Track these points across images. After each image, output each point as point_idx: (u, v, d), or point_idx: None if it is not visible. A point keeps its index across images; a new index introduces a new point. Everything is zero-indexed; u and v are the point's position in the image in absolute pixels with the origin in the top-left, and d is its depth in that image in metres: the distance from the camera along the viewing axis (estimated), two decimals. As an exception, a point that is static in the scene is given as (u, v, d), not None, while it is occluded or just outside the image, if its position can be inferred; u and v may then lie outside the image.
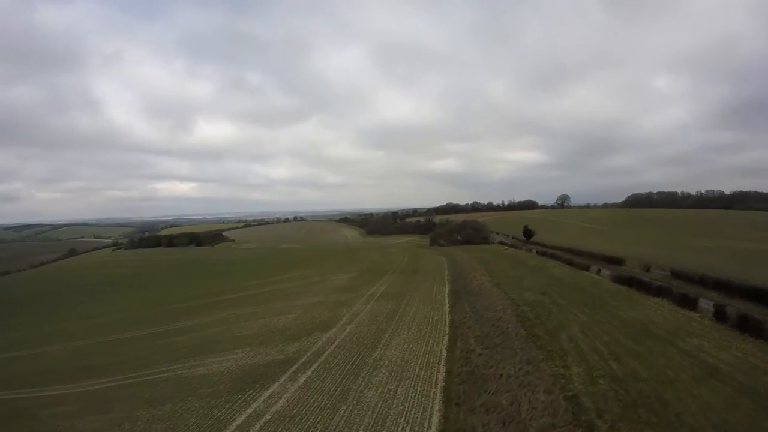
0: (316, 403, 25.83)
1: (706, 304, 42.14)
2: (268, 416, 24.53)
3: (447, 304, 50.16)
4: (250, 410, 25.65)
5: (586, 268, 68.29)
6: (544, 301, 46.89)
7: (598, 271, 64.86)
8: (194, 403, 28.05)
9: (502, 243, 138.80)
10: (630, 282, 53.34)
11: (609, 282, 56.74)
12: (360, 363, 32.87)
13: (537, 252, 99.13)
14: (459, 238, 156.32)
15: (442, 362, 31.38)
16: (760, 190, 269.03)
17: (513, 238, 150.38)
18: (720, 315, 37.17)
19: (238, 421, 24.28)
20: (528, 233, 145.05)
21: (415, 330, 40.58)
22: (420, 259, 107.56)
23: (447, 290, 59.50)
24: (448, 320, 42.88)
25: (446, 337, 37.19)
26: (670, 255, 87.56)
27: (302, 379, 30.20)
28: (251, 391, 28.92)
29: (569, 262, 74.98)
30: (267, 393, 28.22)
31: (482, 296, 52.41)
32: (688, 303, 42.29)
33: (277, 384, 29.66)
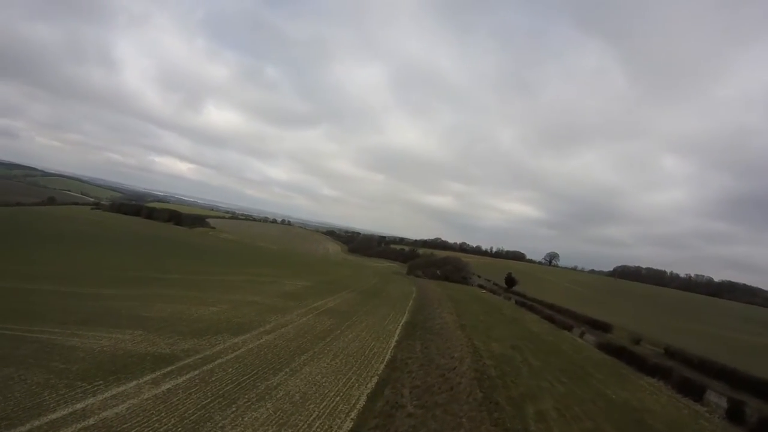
0: (155, 424, 19.48)
1: (716, 396, 33.64)
2: (91, 420, 19.27)
3: (395, 337, 40.85)
4: (79, 406, 20.47)
5: (569, 328, 59.14)
6: (514, 358, 37.47)
7: (582, 334, 55.71)
8: (36, 376, 23.51)
9: (480, 286, 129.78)
10: (619, 353, 44.26)
11: (594, 349, 47.54)
12: (247, 386, 24.77)
13: (516, 302, 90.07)
14: (438, 272, 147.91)
15: (353, 414, 22.12)
16: (748, 284, 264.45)
17: (494, 284, 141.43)
18: (736, 414, 28.91)
19: (57, 415, 19.41)
20: (510, 281, 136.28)
21: (341, 360, 31.32)
22: (389, 284, 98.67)
23: (403, 321, 50.26)
24: (388, 357, 33.57)
25: (375, 379, 27.87)
26: (659, 332, 78.56)
27: (165, 387, 23.52)
28: (101, 382, 23.44)
29: (550, 319, 65.75)
30: (113, 391, 22.42)
31: (441, 337, 42.91)
32: (692, 391, 34.14)
33: (133, 383, 23.60)
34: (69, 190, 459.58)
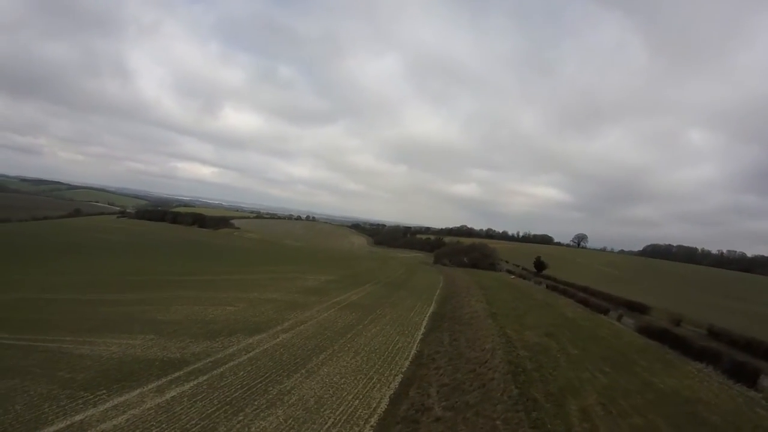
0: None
1: (771, 381, 30.67)
2: (88, 433, 17.77)
3: (422, 330, 38.63)
4: (77, 418, 19.47)
5: (605, 312, 55.97)
6: (550, 347, 34.79)
7: (620, 318, 52.60)
8: (40, 387, 22.78)
9: (509, 272, 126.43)
10: (662, 337, 41.15)
11: (634, 333, 44.47)
12: (258, 391, 23.06)
13: (547, 286, 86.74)
14: (465, 260, 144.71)
15: (373, 421, 20.12)
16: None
17: (523, 269, 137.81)
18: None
19: (54, 428, 18.54)
20: (540, 265, 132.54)
21: (362, 358, 29.28)
22: (415, 275, 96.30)
23: (429, 312, 47.94)
24: (413, 352, 31.39)
25: (399, 378, 25.71)
26: (697, 311, 74.64)
27: (169, 395, 22.17)
28: (104, 391, 22.33)
29: (584, 302, 62.52)
30: (115, 401, 21.25)
31: (470, 327, 40.43)
32: (744, 376, 30.79)
33: (137, 392, 22.33)
34: (96, 201, 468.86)
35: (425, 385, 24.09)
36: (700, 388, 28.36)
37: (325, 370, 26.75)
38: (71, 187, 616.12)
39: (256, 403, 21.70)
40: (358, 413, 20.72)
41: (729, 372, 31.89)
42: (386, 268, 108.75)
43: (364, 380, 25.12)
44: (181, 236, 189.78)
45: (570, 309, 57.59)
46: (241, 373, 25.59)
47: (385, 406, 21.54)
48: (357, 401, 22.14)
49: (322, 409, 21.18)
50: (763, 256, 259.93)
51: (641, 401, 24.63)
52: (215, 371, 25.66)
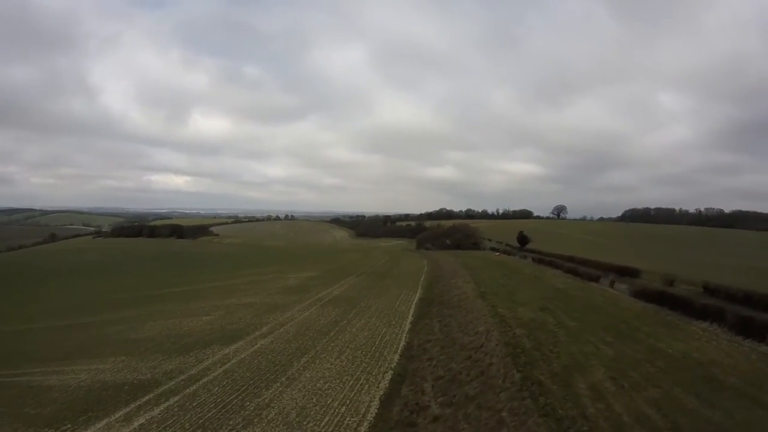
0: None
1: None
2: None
3: (410, 319, 36.33)
4: None
5: (596, 280, 54.34)
6: (546, 322, 32.78)
7: (612, 284, 50.91)
8: (5, 428, 21.39)
9: (493, 249, 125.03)
10: (660, 299, 39.41)
11: (629, 298, 42.79)
12: (234, 408, 20.63)
13: (533, 260, 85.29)
14: (448, 242, 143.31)
15: (363, 429, 17.94)
16: (759, 211, 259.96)
17: (506, 245, 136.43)
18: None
19: None
20: (523, 240, 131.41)
21: (347, 357, 26.94)
22: (399, 262, 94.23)
23: (416, 299, 45.69)
24: (402, 344, 29.07)
25: (389, 375, 23.32)
26: (686, 270, 73.68)
27: (137, 422, 19.92)
28: (68, 425, 20.31)
29: (573, 272, 60.94)
30: None
31: (461, 310, 38.29)
32: (753, 331, 29.06)
33: (103, 423, 20.17)
34: (71, 224, 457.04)
35: (418, 380, 21.75)
36: (709, 348, 26.63)
37: (308, 375, 24.32)
38: (45, 213, 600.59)
39: (231, 422, 19.32)
40: (346, 422, 18.33)
41: (736, 328, 30.20)
42: (369, 259, 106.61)
43: (351, 382, 22.73)
44: (160, 249, 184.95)
45: (560, 280, 55.91)
46: (216, 389, 23.24)
47: (376, 410, 19.17)
48: (344, 408, 19.72)
49: (305, 422, 18.76)
50: (740, 211, 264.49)
51: (652, 370, 22.69)
52: (188, 390, 23.33)
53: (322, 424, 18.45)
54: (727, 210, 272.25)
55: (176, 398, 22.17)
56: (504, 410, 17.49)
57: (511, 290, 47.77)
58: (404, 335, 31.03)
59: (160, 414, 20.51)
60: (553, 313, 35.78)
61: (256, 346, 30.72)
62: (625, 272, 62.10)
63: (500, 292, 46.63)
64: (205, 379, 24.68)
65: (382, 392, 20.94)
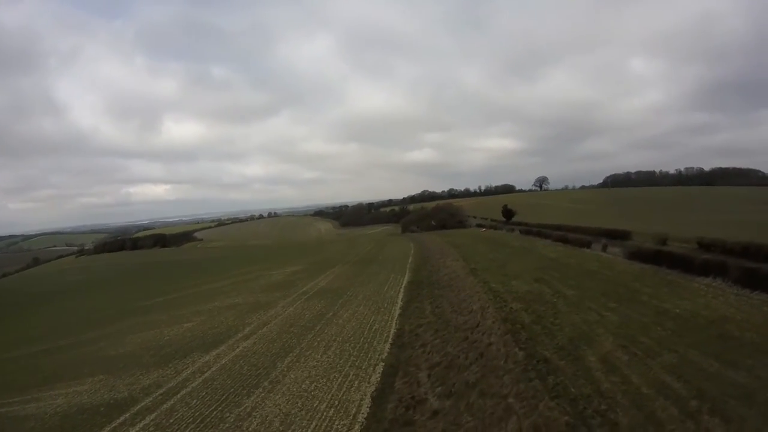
0: None
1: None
2: None
3: (399, 304, 34.23)
4: None
5: (587, 245, 52.79)
6: (543, 293, 30.99)
7: (604, 248, 49.39)
8: None
9: (479, 225, 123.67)
10: (657, 258, 37.83)
11: (625, 261, 41.25)
12: (213, 422, 18.52)
13: (520, 232, 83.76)
14: (433, 223, 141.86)
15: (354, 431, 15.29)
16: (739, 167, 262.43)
17: (492, 220, 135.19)
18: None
19: None
20: (508, 213, 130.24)
21: (334, 351, 24.79)
22: (385, 247, 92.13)
23: (405, 282, 43.66)
24: (393, 331, 26.96)
25: (381, 368, 21.16)
26: (676, 229, 72.60)
27: None
28: None
29: (563, 240, 59.43)
30: None
31: (452, 289, 36.40)
32: (759, 283, 27.56)
33: None
34: (54, 246, 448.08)
35: (413, 370, 19.68)
36: (717, 304, 25.02)
37: (292, 376, 22.16)
38: (27, 237, 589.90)
39: None
40: (335, 426, 16.22)
41: (741, 282, 28.66)
42: (354, 247, 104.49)
43: (339, 379, 20.61)
44: (143, 261, 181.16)
45: (550, 249, 54.34)
46: (195, 401, 21.03)
47: (367, 409, 17.07)
48: (332, 410, 17.59)
49: (289, 431, 16.59)
50: (720, 168, 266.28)
51: (663, 333, 20.97)
52: (165, 405, 21.09)
53: (309, 431, 16.34)
54: (706, 168, 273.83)
55: (152, 416, 19.98)
56: (510, 395, 15.54)
57: (501, 264, 46.02)
58: (394, 322, 28.97)
59: (134, 437, 18.40)
60: (548, 283, 34.03)
61: (237, 350, 28.53)
62: (616, 235, 60.77)
63: (491, 267, 44.84)
64: (184, 392, 22.49)
65: (373, 388, 18.86)
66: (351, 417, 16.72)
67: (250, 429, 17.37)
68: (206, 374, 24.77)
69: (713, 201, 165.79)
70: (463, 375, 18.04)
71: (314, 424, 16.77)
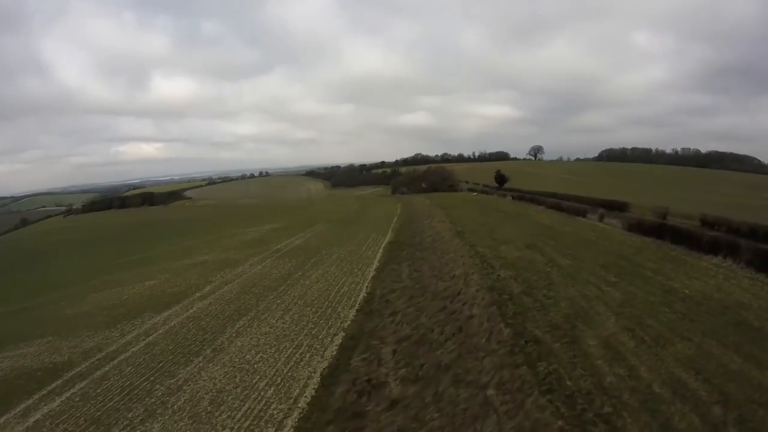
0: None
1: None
2: None
3: (375, 265, 30.97)
4: None
5: (582, 214, 49.55)
6: (535, 260, 27.76)
7: (601, 218, 46.12)
8: None
9: (471, 190, 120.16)
10: (660, 232, 34.62)
11: (624, 232, 38.02)
12: (140, 395, 15.94)
13: (513, 197, 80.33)
14: (423, 185, 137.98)
15: (289, 421, 12.40)
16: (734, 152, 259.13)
17: (484, 185, 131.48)
18: None
19: None
20: (501, 179, 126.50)
21: (292, 316, 21.59)
22: (371, 207, 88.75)
23: (385, 242, 40.39)
24: (362, 295, 23.67)
25: (339, 339, 17.89)
26: (675, 205, 69.44)
27: (34, 418, 15.61)
28: None
29: (557, 207, 56.18)
30: None
31: (434, 252, 33.12)
32: None
33: (2, 420, 15.94)
34: (44, 207, 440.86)
35: (376, 344, 16.44)
36: (730, 287, 21.90)
37: (239, 343, 18.98)
38: (17, 199, 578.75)
39: (130, 415, 14.46)
40: (269, 412, 13.06)
41: (754, 264, 25.50)
42: (340, 206, 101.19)
43: (289, 350, 17.42)
44: (129, 220, 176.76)
45: (544, 216, 51.10)
46: (129, 369, 18.34)
47: (313, 391, 13.88)
48: (271, 390, 14.42)
49: (216, 413, 13.54)
50: (716, 152, 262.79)
51: (673, 317, 17.81)
52: (99, 372, 18.50)
53: (238, 416, 13.23)
54: (703, 151, 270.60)
55: (83, 384, 17.42)
56: (491, 385, 12.32)
57: (491, 228, 42.68)
58: (366, 285, 25.72)
59: (59, 406, 16.00)
60: (541, 250, 30.79)
61: (191, 311, 25.49)
62: (613, 206, 57.40)
63: (479, 230, 41.52)
64: (123, 357, 19.76)
65: (326, 364, 15.66)
66: (291, 401, 13.57)
67: (176, 406, 14.39)
68: (150, 338, 21.90)
69: (708, 183, 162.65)
70: (435, 354, 14.79)
71: (246, 406, 13.66)
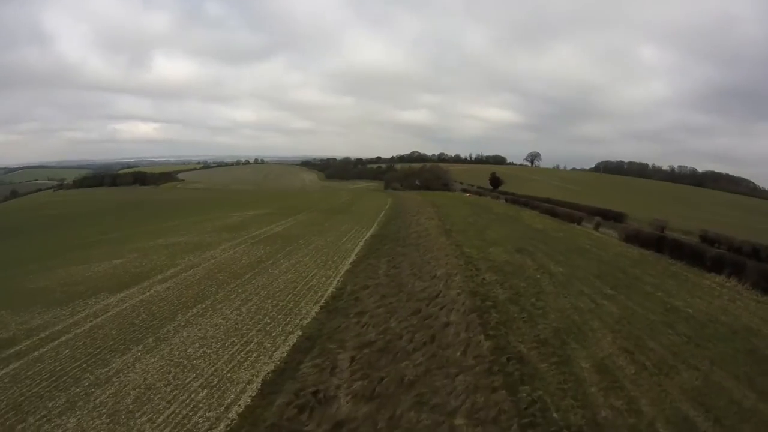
0: None
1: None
2: None
3: (352, 258, 28.59)
4: None
5: (577, 221, 47.48)
6: (525, 265, 25.56)
7: (597, 226, 44.16)
8: None
9: (464, 190, 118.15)
10: (659, 245, 32.58)
11: (621, 243, 35.96)
12: (67, 383, 13.97)
13: (506, 200, 78.21)
14: (417, 182, 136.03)
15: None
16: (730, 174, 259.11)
17: (478, 187, 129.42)
18: None
19: None
20: (495, 181, 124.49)
21: (250, 308, 19.45)
22: (360, 200, 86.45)
23: (368, 235, 38.12)
24: (330, 290, 21.35)
25: (295, 337, 15.53)
26: (673, 220, 67.46)
27: None
28: None
29: (551, 213, 54.08)
30: None
31: (418, 248, 30.85)
32: None
33: None
34: (36, 180, 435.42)
35: (334, 349, 14.10)
36: (737, 310, 19.91)
37: (185, 334, 16.66)
38: (10, 170, 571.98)
39: (50, 405, 12.50)
40: (195, 419, 10.84)
41: (761, 286, 23.50)
42: (330, 197, 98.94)
43: (236, 347, 15.11)
44: (119, 197, 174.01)
45: (537, 220, 48.95)
46: (66, 351, 16.27)
47: (250, 400, 11.57)
48: (204, 392, 12.15)
49: (137, 413, 11.43)
50: (713, 172, 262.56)
51: (677, 339, 15.73)
52: (36, 353, 16.57)
53: (159, 420, 11.03)
54: (699, 170, 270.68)
55: (17, 364, 15.49)
56: (460, 412, 10.06)
57: (481, 229, 40.46)
58: (338, 279, 23.41)
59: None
60: (532, 255, 28.60)
61: (147, 293, 23.22)
62: (609, 216, 55.41)
63: (468, 230, 39.30)
64: (64, 338, 17.66)
65: (272, 367, 13.37)
66: (222, 408, 11.32)
67: (98, 401, 12.39)
68: (98, 319, 19.74)
69: (704, 202, 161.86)
70: (399, 366, 12.50)
71: (171, 409, 11.49)
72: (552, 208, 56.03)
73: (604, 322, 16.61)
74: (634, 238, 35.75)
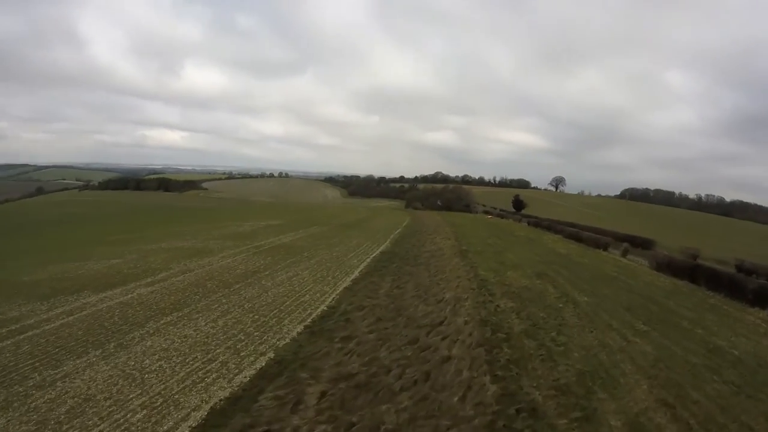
0: None
1: None
2: None
3: (354, 275, 26.18)
4: None
5: (604, 247, 44.43)
6: (546, 292, 22.84)
7: (624, 253, 41.12)
8: None
9: (486, 212, 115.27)
10: (693, 274, 29.62)
11: (651, 271, 33.00)
12: (11, 382, 12.39)
13: (528, 223, 75.20)
14: (439, 203, 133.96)
15: None
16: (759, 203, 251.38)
17: (501, 210, 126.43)
18: None
19: None
20: (518, 204, 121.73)
21: (227, 321, 17.42)
22: (378, 216, 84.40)
23: (378, 251, 35.73)
24: (321, 309, 18.99)
25: (264, 361, 13.16)
26: (704, 248, 63.62)
27: None
28: None
29: (576, 238, 50.99)
30: None
31: (428, 268, 28.31)
32: None
33: None
34: (63, 179, 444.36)
35: (304, 379, 11.62)
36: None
37: (149, 344, 14.62)
38: (39, 168, 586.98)
39: None
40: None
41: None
42: (349, 212, 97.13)
43: (197, 364, 12.92)
44: (141, 201, 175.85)
45: (560, 245, 46.00)
46: (27, 347, 14.95)
47: (188, 430, 9.23)
48: (142, 413, 10.10)
49: (66, 426, 9.98)
50: (741, 201, 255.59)
51: (724, 388, 13.00)
52: None
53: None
54: (727, 199, 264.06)
55: None
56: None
57: (499, 251, 37.73)
58: (333, 296, 21.01)
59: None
60: (554, 281, 25.84)
61: (130, 295, 21.51)
62: (637, 242, 52.22)
63: (486, 251, 36.63)
64: (31, 333, 16.44)
65: (227, 393, 11.00)
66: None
67: (33, 405, 10.39)
68: (70, 318, 18.22)
69: (733, 232, 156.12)
70: (378, 409, 9.98)
71: (101, 427, 9.46)
72: (576, 233, 52.98)
73: (638, 365, 13.88)
74: (666, 266, 32.80)
